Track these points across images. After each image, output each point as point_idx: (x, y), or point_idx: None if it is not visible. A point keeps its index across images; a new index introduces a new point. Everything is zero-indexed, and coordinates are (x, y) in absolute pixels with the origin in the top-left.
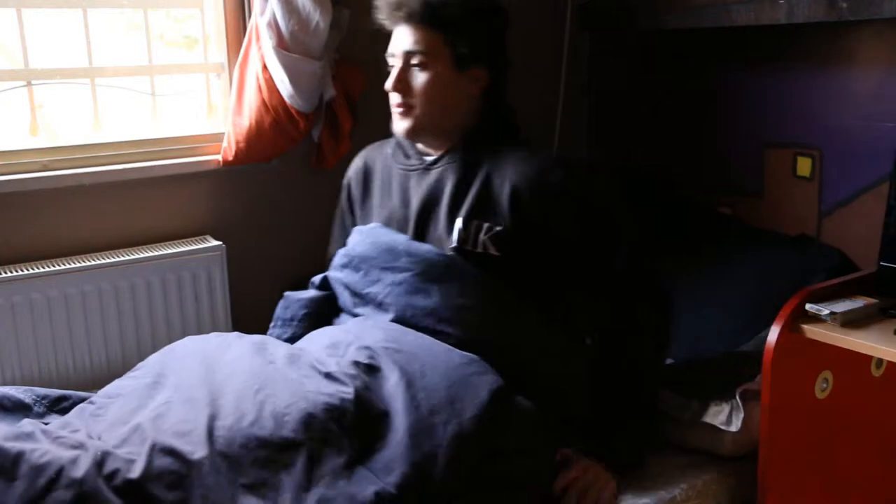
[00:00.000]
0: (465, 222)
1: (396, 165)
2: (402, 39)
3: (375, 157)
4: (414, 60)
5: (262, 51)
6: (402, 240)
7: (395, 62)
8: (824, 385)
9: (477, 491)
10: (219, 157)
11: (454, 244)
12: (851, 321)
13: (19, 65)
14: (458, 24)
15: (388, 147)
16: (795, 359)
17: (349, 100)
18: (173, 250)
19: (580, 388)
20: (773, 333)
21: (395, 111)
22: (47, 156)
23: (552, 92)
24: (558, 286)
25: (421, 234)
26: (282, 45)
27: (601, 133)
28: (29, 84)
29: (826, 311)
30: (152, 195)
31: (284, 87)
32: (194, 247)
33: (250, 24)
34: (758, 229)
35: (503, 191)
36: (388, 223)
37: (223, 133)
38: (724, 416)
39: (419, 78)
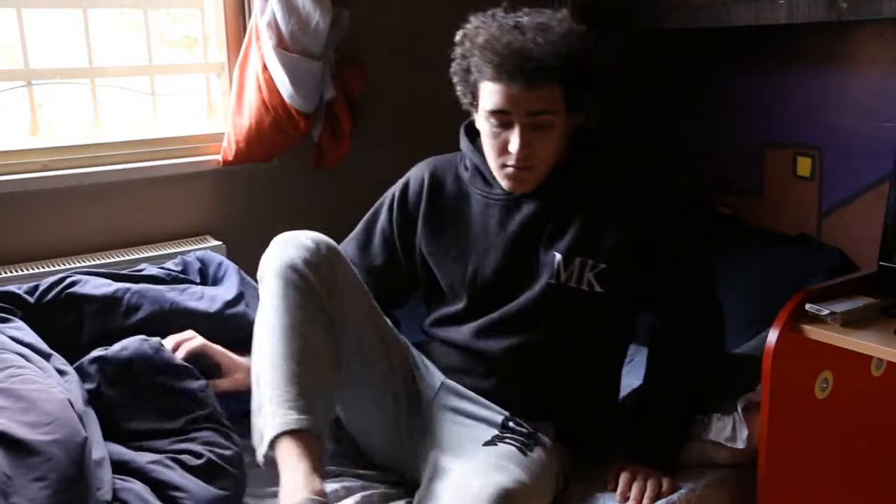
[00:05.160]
0: (566, 258)
1: (476, 192)
2: (523, 98)
3: (445, 175)
4: (539, 120)
5: (262, 51)
6: None
7: (504, 120)
8: (824, 385)
9: None
10: (219, 157)
11: (551, 279)
12: (851, 321)
13: (19, 65)
14: (575, 74)
15: (459, 168)
16: (795, 359)
17: (349, 100)
18: (173, 250)
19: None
20: (773, 333)
21: (509, 171)
22: (47, 156)
23: None
24: (634, 312)
25: (508, 267)
26: (282, 45)
27: (601, 133)
28: (29, 84)
29: (826, 311)
30: (152, 195)
31: (284, 87)
32: (194, 247)
33: (250, 24)
34: (758, 229)
35: (606, 227)
36: (463, 254)
37: (223, 133)
38: (728, 432)
39: (544, 136)
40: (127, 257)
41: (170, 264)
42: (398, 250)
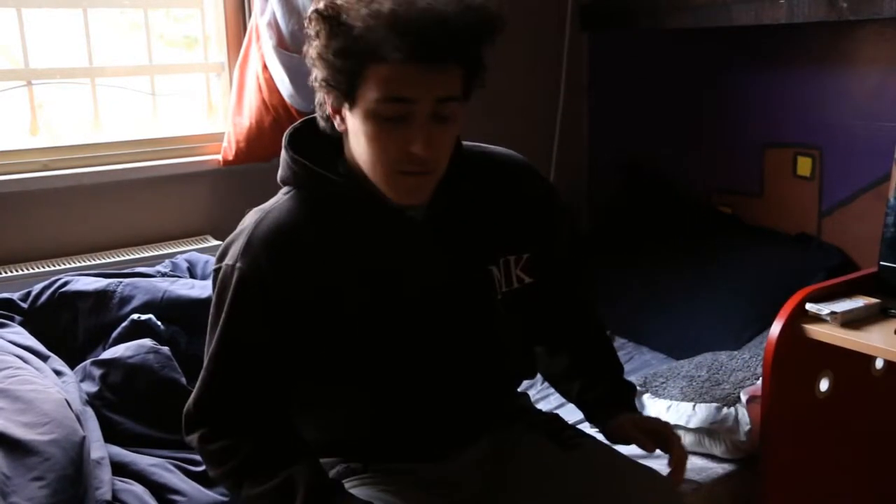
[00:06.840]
0: (495, 264)
1: (359, 224)
2: (433, 81)
3: (291, 234)
4: (445, 109)
5: (262, 50)
6: None
7: (402, 112)
8: (824, 385)
9: None
10: (219, 157)
11: (495, 292)
12: (851, 321)
13: (19, 65)
14: (481, 57)
15: (316, 214)
16: (795, 358)
17: None
18: (173, 250)
19: None
20: (773, 333)
21: (408, 178)
22: (47, 156)
23: (552, 92)
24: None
25: (446, 294)
26: (282, 45)
27: (601, 133)
28: (29, 84)
29: (826, 311)
30: (152, 195)
31: (284, 86)
32: (194, 247)
33: (250, 24)
34: (758, 229)
35: (513, 215)
36: (413, 309)
37: (223, 133)
38: (731, 423)
39: (447, 130)
40: (127, 257)
41: (159, 266)
42: (289, 352)
